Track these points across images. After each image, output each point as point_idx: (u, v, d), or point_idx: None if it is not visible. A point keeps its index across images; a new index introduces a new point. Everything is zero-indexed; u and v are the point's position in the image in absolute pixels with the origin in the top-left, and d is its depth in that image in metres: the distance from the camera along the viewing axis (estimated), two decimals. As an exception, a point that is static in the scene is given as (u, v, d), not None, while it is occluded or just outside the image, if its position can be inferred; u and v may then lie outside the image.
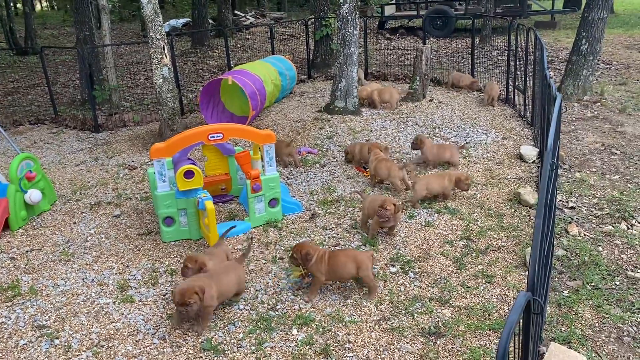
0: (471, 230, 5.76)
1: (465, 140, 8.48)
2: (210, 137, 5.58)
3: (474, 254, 5.29)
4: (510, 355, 2.74)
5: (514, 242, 5.48)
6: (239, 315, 4.51)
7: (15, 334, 4.37)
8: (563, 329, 4.15)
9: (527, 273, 4.93)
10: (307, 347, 4.09)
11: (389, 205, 5.44)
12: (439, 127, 9.11)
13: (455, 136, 8.67)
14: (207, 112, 9.69)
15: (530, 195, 6.31)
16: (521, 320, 2.39)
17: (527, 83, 9.76)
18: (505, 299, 4.59)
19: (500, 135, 8.66)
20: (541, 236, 2.38)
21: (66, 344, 4.23)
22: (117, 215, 6.49)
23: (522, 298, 1.90)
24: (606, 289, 4.65)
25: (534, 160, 7.53)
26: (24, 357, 4.10)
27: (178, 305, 4.07)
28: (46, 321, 4.53)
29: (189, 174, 5.50)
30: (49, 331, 4.38)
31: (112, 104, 11.05)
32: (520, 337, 2.27)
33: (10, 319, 4.58)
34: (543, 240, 2.71)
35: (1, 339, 4.32)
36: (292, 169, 7.65)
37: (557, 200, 6.09)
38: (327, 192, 6.85)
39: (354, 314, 4.48)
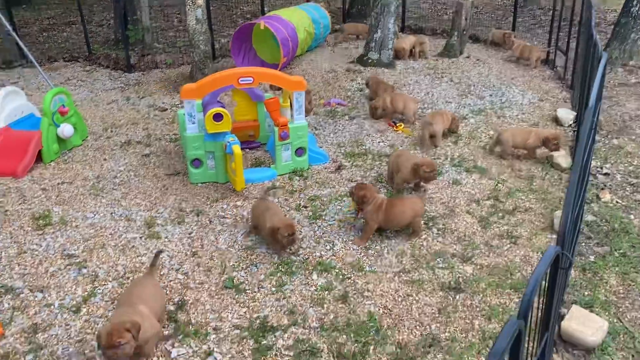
0: (499, 190, 5.66)
1: (501, 99, 8.24)
2: (241, 80, 5.53)
3: (500, 214, 5.22)
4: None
5: (543, 205, 5.37)
6: (261, 257, 4.57)
7: (45, 261, 4.53)
8: (586, 293, 4.10)
9: (554, 236, 4.86)
10: (327, 292, 4.14)
11: (430, 167, 5.34)
12: (474, 85, 8.86)
13: (490, 95, 8.43)
14: (238, 58, 9.60)
15: (563, 158, 6.14)
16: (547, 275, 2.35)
17: (570, 45, 9.35)
18: (529, 260, 4.54)
19: (537, 97, 8.39)
20: (575, 191, 2.30)
21: (93, 273, 4.37)
22: (146, 155, 6.56)
23: (551, 251, 1.85)
24: (634, 256, 4.55)
25: (570, 124, 7.29)
26: (53, 283, 4.25)
27: (105, 348, 3.14)
28: (75, 251, 4.66)
29: (217, 117, 5.48)
30: (77, 260, 4.52)
31: (145, 44, 11.01)
32: (545, 293, 2.23)
33: (41, 246, 4.73)
34: (576, 198, 2.63)
35: (32, 265, 4.48)
36: (321, 119, 7.57)
37: (592, 165, 5.91)
38: (355, 144, 6.78)
39: (374, 264, 4.50)
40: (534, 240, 4.80)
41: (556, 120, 7.42)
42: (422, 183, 5.57)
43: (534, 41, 11.11)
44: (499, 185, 5.76)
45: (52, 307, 3.99)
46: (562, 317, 3.68)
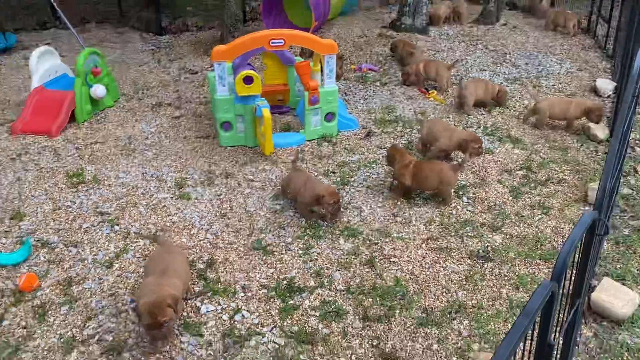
0: (532, 160, 5.54)
1: (537, 68, 8.01)
2: (272, 42, 5.47)
3: (532, 185, 5.12)
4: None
5: (577, 177, 5.25)
6: (288, 221, 4.59)
7: (79, 218, 4.64)
8: (618, 266, 4.02)
9: (587, 208, 4.76)
10: (353, 256, 4.15)
11: (479, 143, 5.28)
12: (509, 53, 8.61)
13: (526, 64, 8.19)
14: (268, 21, 9.50)
15: (600, 130, 5.96)
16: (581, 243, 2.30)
17: (613, 12, 8.96)
18: (560, 232, 4.46)
19: (575, 67, 8.11)
20: (614, 159, 2.23)
21: (125, 230, 4.46)
22: (177, 117, 6.61)
23: (587, 216, 1.80)
24: (671, 231, 4.43)
25: (609, 95, 7.05)
26: (87, 239, 4.36)
27: (148, 327, 3.13)
28: (107, 208, 4.76)
29: (248, 80, 5.46)
30: (110, 218, 4.62)
31: (176, 7, 10.97)
32: (578, 261, 2.19)
33: (75, 203, 4.84)
34: (615, 166, 2.55)
35: (66, 221, 4.60)
36: (351, 85, 7.49)
37: (630, 138, 5.72)
38: (386, 111, 6.70)
39: (402, 231, 4.48)
40: (566, 212, 4.71)
41: (595, 91, 7.18)
42: (467, 157, 5.43)
43: (575, 9, 10.69)
44: (532, 155, 5.64)
45: (86, 261, 4.11)
46: (592, 289, 3.63)
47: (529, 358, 2.16)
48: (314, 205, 4.45)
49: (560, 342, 2.73)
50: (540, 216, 4.66)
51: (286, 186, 4.80)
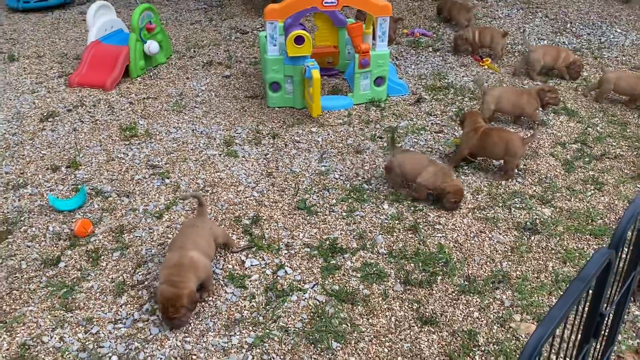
0: (588, 134, 5.34)
1: (600, 39, 7.62)
2: (325, 2, 5.40)
3: (586, 159, 4.95)
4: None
5: (635, 153, 5.03)
6: (333, 183, 4.61)
7: (131, 169, 4.79)
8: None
9: (644, 185, 4.57)
10: (397, 221, 4.14)
11: (555, 92, 5.27)
12: (571, 22, 8.22)
13: (588, 34, 7.82)
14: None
15: (665, 106, 5.67)
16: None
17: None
18: (613, 208, 4.31)
19: (641, 38, 7.70)
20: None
21: (175, 184, 4.58)
22: (227, 76, 6.65)
23: (652, 186, 1.72)
24: None
25: (678, 70, 6.67)
26: (139, 190, 4.51)
27: (162, 315, 3.25)
28: (159, 162, 4.89)
29: (299, 40, 5.42)
30: (161, 171, 4.75)
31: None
32: (636, 235, 2.10)
33: (128, 155, 4.99)
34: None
35: (119, 172, 4.75)
36: (402, 49, 7.34)
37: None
38: (437, 77, 6.55)
39: (448, 199, 4.42)
40: (621, 188, 4.54)
41: (661, 65, 6.81)
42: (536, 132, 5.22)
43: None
44: (589, 129, 5.43)
45: (137, 211, 4.26)
46: (644, 268, 3.50)
47: (577, 333, 2.12)
48: (433, 191, 4.31)
49: (612, 314, 2.66)
50: (592, 191, 4.51)
51: (397, 168, 4.42)
